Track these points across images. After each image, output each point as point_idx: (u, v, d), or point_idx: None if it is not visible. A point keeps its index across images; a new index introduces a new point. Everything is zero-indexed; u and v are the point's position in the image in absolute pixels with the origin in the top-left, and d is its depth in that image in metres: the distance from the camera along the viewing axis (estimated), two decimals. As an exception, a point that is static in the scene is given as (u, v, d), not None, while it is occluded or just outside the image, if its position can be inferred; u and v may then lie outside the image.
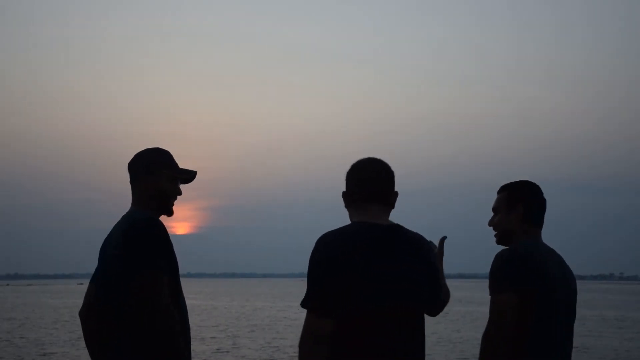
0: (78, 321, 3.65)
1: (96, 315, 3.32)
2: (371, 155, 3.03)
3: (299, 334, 2.87)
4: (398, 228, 2.95)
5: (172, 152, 3.46)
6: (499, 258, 3.34)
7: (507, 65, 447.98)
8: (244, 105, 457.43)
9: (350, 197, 2.99)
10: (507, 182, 3.58)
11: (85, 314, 3.42)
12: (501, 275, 3.28)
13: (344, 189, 3.02)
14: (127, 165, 3.43)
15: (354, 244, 2.82)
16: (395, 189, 3.01)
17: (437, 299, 3.01)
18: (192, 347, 3.63)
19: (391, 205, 3.00)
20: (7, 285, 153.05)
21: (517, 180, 3.55)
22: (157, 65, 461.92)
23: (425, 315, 3.00)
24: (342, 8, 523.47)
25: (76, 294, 79.47)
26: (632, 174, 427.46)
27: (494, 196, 3.58)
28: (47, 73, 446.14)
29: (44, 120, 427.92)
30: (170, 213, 3.40)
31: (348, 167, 3.04)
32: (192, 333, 3.50)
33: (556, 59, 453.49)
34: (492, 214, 3.56)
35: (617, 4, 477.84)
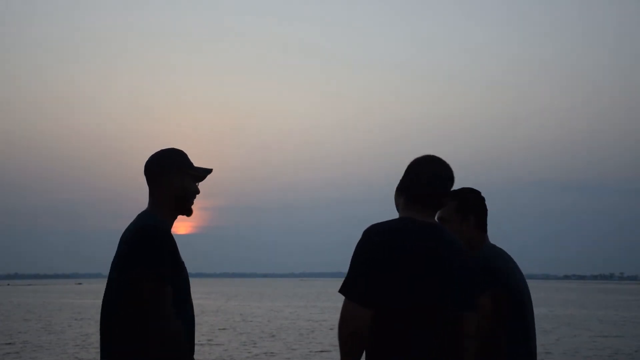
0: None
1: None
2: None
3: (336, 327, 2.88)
4: (442, 228, 2.99)
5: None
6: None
7: (526, 66, 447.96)
8: (245, 105, 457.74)
9: (416, 194, 2.98)
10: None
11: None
12: (478, 280, 3.36)
13: (402, 180, 3.02)
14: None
15: (402, 239, 2.84)
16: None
17: (473, 302, 2.99)
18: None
19: (440, 208, 3.05)
20: (8, 285, 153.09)
21: (460, 187, 3.64)
22: (158, 65, 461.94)
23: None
24: (349, 8, 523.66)
25: (86, 293, 79.08)
26: (633, 174, 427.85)
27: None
28: (33, 74, 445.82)
29: (42, 121, 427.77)
30: (189, 213, 3.31)
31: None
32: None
33: (576, 63, 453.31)
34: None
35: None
